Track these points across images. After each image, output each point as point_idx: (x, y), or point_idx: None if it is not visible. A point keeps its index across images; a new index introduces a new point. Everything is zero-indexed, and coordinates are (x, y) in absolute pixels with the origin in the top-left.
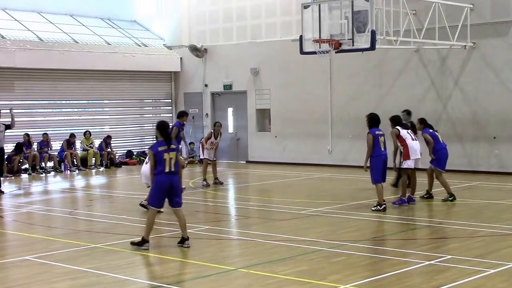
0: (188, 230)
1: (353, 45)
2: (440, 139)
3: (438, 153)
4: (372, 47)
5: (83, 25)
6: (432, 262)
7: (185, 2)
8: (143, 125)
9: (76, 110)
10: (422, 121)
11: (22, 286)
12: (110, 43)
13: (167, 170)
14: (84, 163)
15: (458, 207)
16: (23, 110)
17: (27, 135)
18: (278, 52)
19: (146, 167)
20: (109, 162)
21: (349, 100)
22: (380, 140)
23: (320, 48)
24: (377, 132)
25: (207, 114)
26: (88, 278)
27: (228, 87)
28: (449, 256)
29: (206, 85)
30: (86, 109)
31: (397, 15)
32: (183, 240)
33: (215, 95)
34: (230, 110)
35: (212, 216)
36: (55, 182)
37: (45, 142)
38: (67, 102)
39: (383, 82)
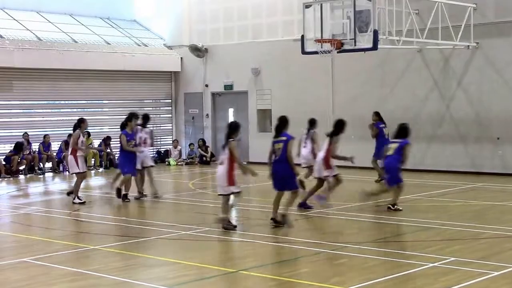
0: (188, 232)
1: (355, 45)
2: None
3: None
4: (375, 47)
5: (83, 24)
6: (435, 264)
7: (185, 1)
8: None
9: (75, 110)
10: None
11: None
12: (110, 42)
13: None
14: None
15: (462, 209)
16: (22, 111)
17: (27, 134)
18: (279, 52)
19: (221, 168)
20: (108, 163)
21: (351, 100)
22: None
23: (322, 48)
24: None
25: (207, 115)
26: (87, 280)
27: (229, 87)
28: (453, 258)
29: (206, 85)
30: (86, 110)
31: (400, 14)
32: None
33: (215, 96)
34: (231, 110)
35: (212, 218)
36: (54, 183)
37: (46, 144)
38: (66, 102)
39: (386, 83)
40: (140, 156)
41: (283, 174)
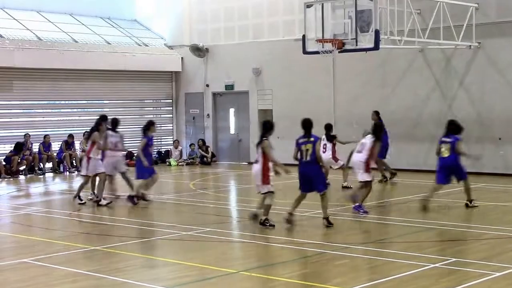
0: (189, 232)
1: (356, 45)
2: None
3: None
4: (376, 47)
5: (83, 24)
6: (436, 265)
7: (186, 1)
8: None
9: (75, 110)
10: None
11: None
12: (110, 42)
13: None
14: None
15: (463, 209)
16: (22, 111)
17: (28, 135)
18: (280, 52)
19: (256, 167)
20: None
21: (353, 100)
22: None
23: (323, 48)
24: (442, 139)
25: (208, 115)
26: (88, 281)
27: (229, 87)
28: (454, 259)
29: (207, 85)
30: (86, 110)
31: (401, 14)
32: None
33: (216, 96)
34: (231, 110)
35: (213, 218)
36: (54, 184)
37: (46, 144)
38: (67, 102)
39: (387, 82)
40: (110, 162)
41: (314, 175)
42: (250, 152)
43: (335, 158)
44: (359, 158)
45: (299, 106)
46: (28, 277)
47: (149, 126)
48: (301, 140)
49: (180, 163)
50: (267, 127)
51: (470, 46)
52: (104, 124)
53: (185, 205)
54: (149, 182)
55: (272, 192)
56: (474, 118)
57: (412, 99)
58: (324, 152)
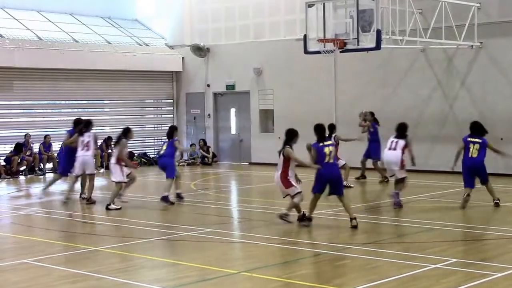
0: (189, 233)
1: (358, 45)
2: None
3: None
4: (378, 46)
5: (83, 24)
6: (437, 265)
7: (187, 1)
8: (144, 126)
9: (76, 110)
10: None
11: None
12: (111, 42)
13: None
14: None
15: (464, 210)
16: (22, 111)
17: (29, 135)
18: (281, 52)
19: (277, 174)
20: (110, 164)
21: (354, 100)
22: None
23: (324, 47)
24: (468, 139)
25: (209, 115)
26: (88, 282)
27: (230, 87)
28: (455, 260)
29: (208, 85)
30: (86, 110)
31: (403, 14)
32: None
33: (217, 96)
34: (232, 110)
35: (214, 219)
36: (55, 184)
37: (47, 144)
38: (67, 102)
39: (389, 82)
40: (79, 162)
41: (338, 177)
42: (251, 152)
43: (337, 158)
44: (394, 155)
45: (300, 106)
46: (28, 278)
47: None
48: (321, 144)
49: (181, 164)
50: (291, 135)
51: (472, 46)
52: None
53: (186, 205)
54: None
55: (299, 192)
56: (476, 118)
57: (413, 99)
58: None
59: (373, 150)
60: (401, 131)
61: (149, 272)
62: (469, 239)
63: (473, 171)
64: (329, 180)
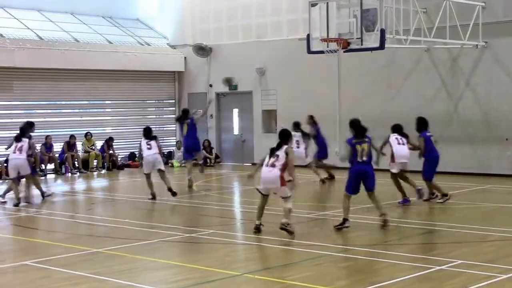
0: (192, 234)
1: (361, 44)
2: None
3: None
4: (381, 46)
5: (84, 23)
6: (442, 267)
7: (189, 0)
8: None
9: (77, 110)
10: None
11: None
12: (112, 42)
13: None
14: (85, 166)
15: (469, 211)
16: (23, 111)
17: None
18: (284, 52)
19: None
20: (111, 165)
21: (358, 100)
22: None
23: (328, 47)
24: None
25: (211, 115)
26: (89, 284)
27: (233, 87)
28: (460, 261)
29: (210, 85)
30: (87, 110)
31: (407, 13)
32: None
33: (220, 96)
34: (235, 111)
35: (217, 220)
36: (56, 185)
37: (48, 145)
38: (68, 102)
39: (393, 82)
40: (12, 165)
41: (373, 174)
42: (254, 153)
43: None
44: (406, 151)
45: (303, 106)
46: (29, 280)
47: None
48: (356, 140)
49: (183, 164)
50: (287, 136)
51: (476, 45)
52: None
53: (188, 206)
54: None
55: (290, 196)
56: (481, 118)
57: (417, 99)
58: (297, 147)
59: (320, 150)
60: (400, 129)
61: (151, 274)
62: (474, 241)
63: None
64: (360, 176)
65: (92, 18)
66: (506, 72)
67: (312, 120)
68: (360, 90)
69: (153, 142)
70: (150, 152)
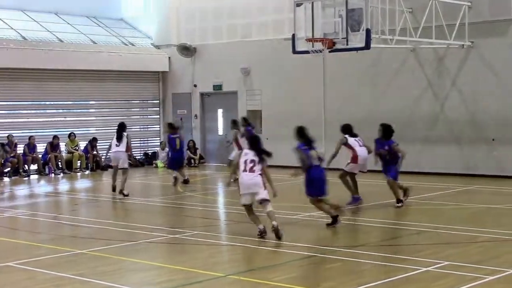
0: (176, 235)
1: (347, 44)
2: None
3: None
4: (367, 46)
5: (68, 23)
6: (429, 268)
7: (174, 0)
8: (130, 127)
9: (60, 111)
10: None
11: None
12: (96, 42)
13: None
14: (69, 166)
15: (456, 212)
16: (6, 111)
17: (11, 135)
18: (269, 52)
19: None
20: (95, 165)
21: (343, 101)
22: None
23: (313, 47)
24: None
25: (196, 116)
26: (73, 285)
27: (218, 87)
28: (447, 262)
29: (195, 86)
30: (71, 110)
31: (393, 13)
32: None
33: (204, 96)
34: (220, 111)
35: (201, 221)
36: (39, 186)
37: (31, 145)
38: (52, 102)
39: (378, 83)
40: None
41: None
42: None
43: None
44: (366, 153)
45: (289, 107)
46: (13, 281)
47: None
48: (306, 147)
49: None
50: (259, 142)
51: (462, 45)
52: None
53: (172, 207)
54: None
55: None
56: (467, 118)
57: (403, 99)
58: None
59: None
60: (351, 129)
61: (134, 275)
62: (461, 242)
63: None
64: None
65: (76, 18)
66: (492, 72)
67: (246, 123)
68: (346, 90)
69: (124, 140)
70: (116, 148)
